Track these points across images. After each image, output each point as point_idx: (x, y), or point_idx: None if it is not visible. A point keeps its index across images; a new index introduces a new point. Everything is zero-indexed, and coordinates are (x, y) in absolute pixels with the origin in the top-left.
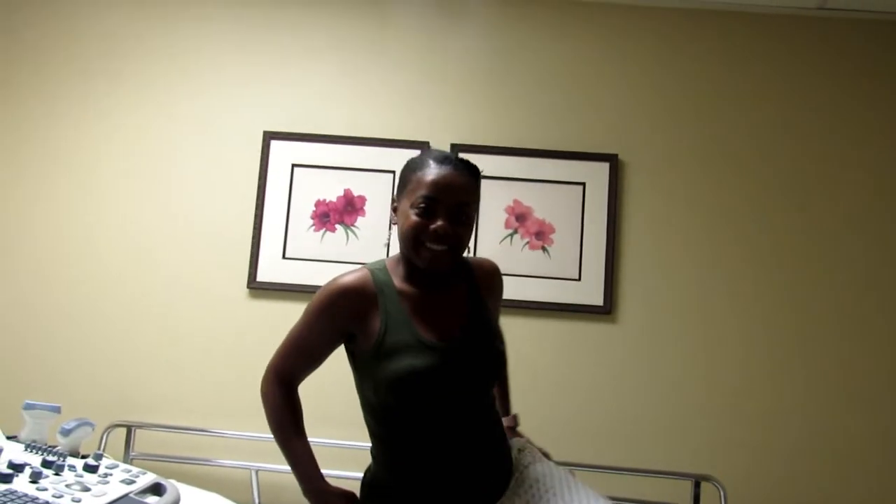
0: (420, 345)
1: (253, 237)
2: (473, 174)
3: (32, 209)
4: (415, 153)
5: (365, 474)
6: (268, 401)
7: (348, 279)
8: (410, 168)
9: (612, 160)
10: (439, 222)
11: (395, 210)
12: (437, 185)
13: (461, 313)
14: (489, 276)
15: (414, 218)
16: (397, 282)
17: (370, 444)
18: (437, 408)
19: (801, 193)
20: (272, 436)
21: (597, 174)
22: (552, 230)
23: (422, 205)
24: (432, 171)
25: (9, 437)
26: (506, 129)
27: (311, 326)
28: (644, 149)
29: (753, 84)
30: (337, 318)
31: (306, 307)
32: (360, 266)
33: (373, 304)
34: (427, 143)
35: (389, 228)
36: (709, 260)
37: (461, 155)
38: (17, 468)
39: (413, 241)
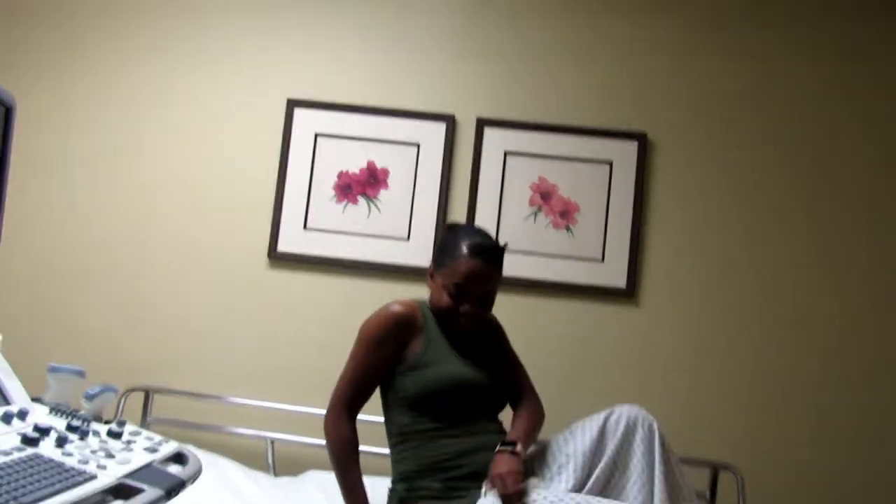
0: (457, 359)
1: (274, 207)
2: (500, 261)
3: (53, 175)
4: (440, 127)
5: (394, 485)
6: (336, 433)
7: (400, 308)
8: (449, 251)
9: (641, 139)
10: (468, 307)
11: (430, 276)
12: (469, 277)
13: (486, 348)
14: (496, 323)
15: (447, 299)
16: (437, 315)
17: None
18: (463, 414)
19: (835, 174)
20: (332, 464)
21: (624, 153)
22: (577, 209)
23: (454, 291)
24: (466, 263)
25: (33, 399)
26: (532, 104)
27: (372, 354)
28: (674, 128)
29: (786, 60)
30: (393, 343)
31: (359, 337)
32: (409, 299)
33: (420, 330)
34: (453, 115)
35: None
36: (737, 244)
37: (486, 129)
38: (44, 432)
39: (446, 316)
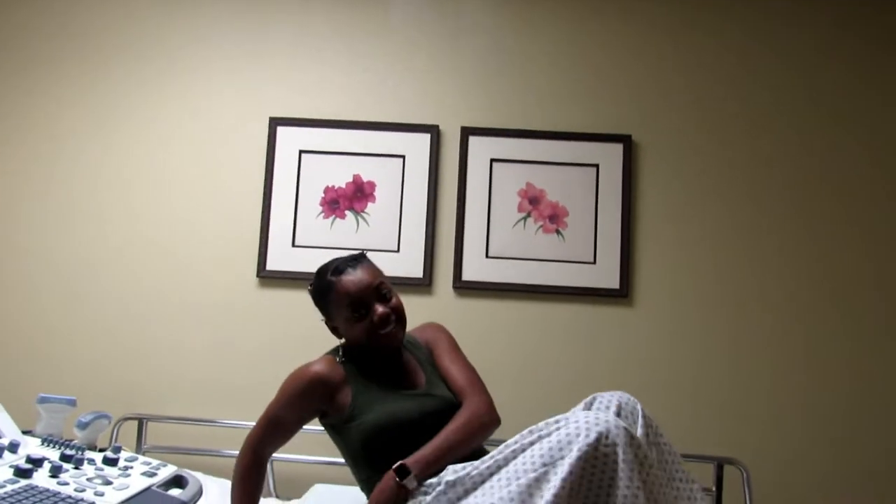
0: (395, 396)
1: (261, 225)
2: (366, 259)
3: (40, 200)
4: (425, 138)
5: None
6: (239, 469)
7: (317, 368)
8: (322, 294)
9: (626, 141)
10: (379, 310)
11: (333, 330)
12: (354, 289)
13: (419, 372)
14: (423, 333)
15: (358, 325)
16: (358, 358)
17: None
18: (412, 443)
19: (826, 170)
20: (231, 495)
21: (610, 155)
22: (566, 213)
23: (355, 312)
24: (341, 283)
25: (24, 432)
26: (517, 111)
27: (284, 407)
28: (658, 129)
29: (772, 58)
30: (308, 401)
31: (280, 387)
32: (323, 355)
33: (341, 383)
34: (437, 126)
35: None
36: (727, 239)
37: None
38: (37, 463)
39: (369, 339)
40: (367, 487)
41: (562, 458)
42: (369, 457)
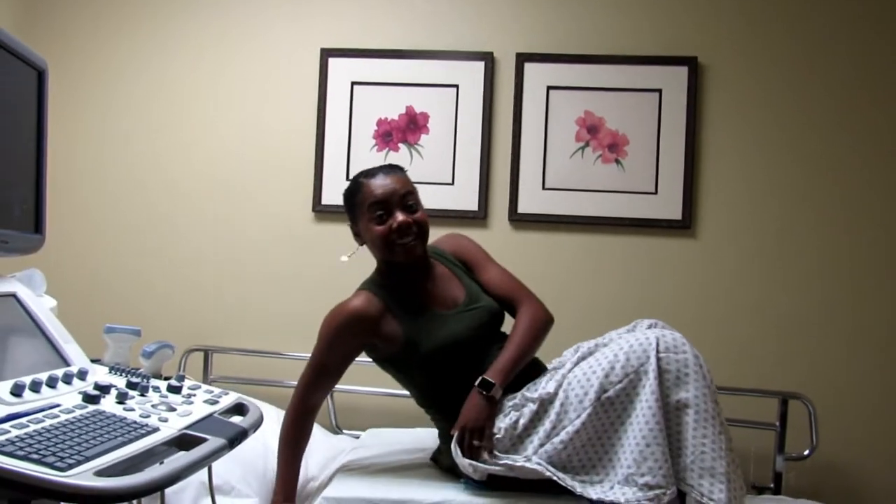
0: (442, 317)
1: (315, 160)
2: (401, 169)
3: (101, 139)
4: (478, 66)
5: (439, 451)
6: (288, 421)
7: (354, 304)
8: (351, 195)
9: (691, 63)
10: (399, 218)
11: (356, 234)
12: (380, 192)
13: (455, 283)
14: (454, 245)
15: (376, 228)
16: (392, 286)
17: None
18: (474, 359)
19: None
20: (279, 442)
21: (674, 79)
22: (626, 142)
23: (377, 213)
24: (369, 185)
25: (93, 361)
26: (574, 35)
27: (326, 351)
28: (726, 50)
29: None
30: (351, 339)
31: (319, 332)
32: (357, 290)
33: (382, 314)
34: (491, 53)
35: (358, 245)
36: (794, 169)
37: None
38: (104, 390)
39: (385, 246)
40: (437, 411)
41: (647, 359)
42: (433, 380)
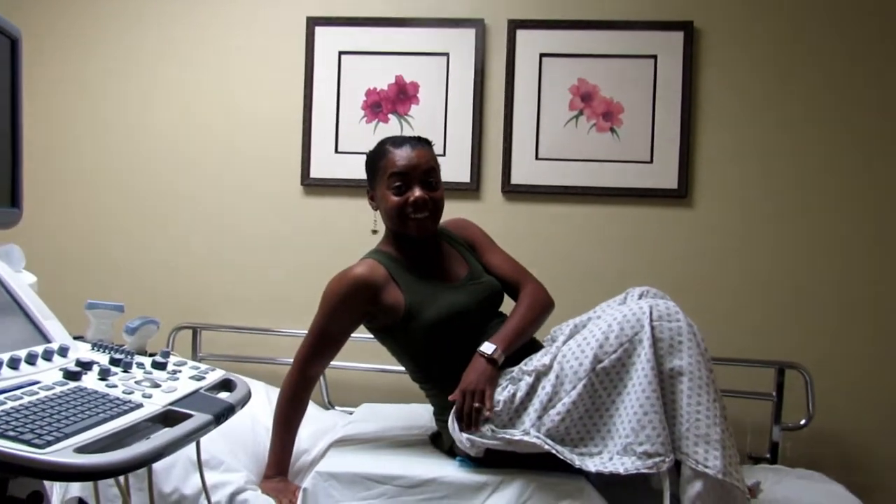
0: (445, 288)
1: (303, 132)
2: (429, 144)
3: (80, 111)
4: (469, 33)
5: (439, 416)
6: (285, 393)
7: (358, 270)
8: (374, 159)
9: (687, 28)
10: (417, 193)
11: (371, 198)
12: (403, 163)
13: (459, 261)
14: (461, 227)
15: (393, 198)
16: (397, 256)
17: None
18: (473, 332)
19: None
20: (274, 415)
21: (669, 45)
22: (621, 110)
23: (396, 184)
24: (394, 154)
25: (75, 337)
26: (567, 0)
27: (329, 317)
28: (723, 14)
29: None
30: (354, 307)
31: (322, 299)
32: (362, 259)
33: (386, 283)
34: (482, 20)
35: (375, 214)
36: (794, 137)
37: (518, 32)
38: (86, 366)
39: (398, 217)
40: (433, 385)
41: (641, 328)
42: (433, 351)
